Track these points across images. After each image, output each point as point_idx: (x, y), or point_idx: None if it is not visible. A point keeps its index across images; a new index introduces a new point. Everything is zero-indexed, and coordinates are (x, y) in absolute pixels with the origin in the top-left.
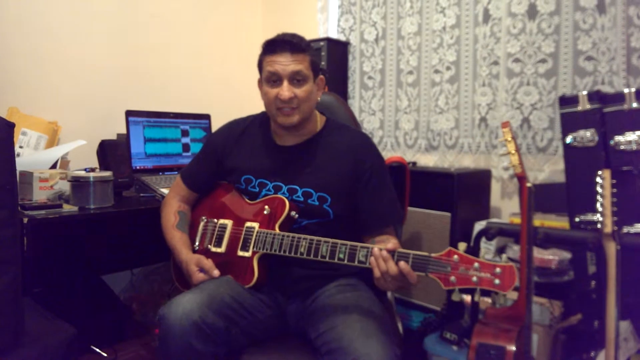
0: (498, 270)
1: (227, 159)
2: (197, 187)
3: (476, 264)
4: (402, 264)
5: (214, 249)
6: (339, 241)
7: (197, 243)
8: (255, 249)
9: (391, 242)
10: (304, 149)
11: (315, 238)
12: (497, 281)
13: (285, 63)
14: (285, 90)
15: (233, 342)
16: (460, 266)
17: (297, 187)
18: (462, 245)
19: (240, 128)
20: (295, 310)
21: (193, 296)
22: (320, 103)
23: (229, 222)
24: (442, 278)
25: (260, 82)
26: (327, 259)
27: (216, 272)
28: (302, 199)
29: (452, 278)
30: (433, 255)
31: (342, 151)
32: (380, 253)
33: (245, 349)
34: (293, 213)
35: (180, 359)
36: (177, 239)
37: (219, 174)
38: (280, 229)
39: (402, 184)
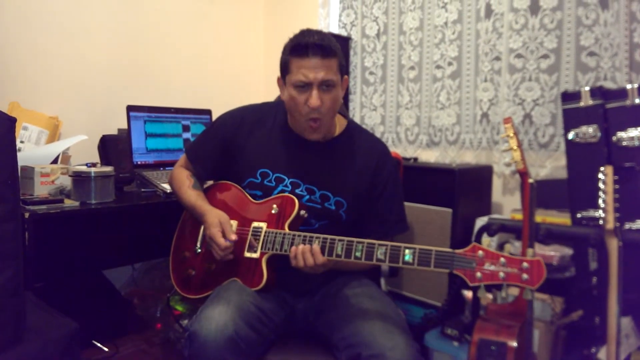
0: (525, 265)
1: (239, 149)
2: (207, 173)
3: (502, 260)
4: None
5: None
6: (355, 239)
7: (198, 245)
8: (264, 249)
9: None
10: (325, 148)
11: (329, 237)
12: (525, 276)
13: (316, 70)
14: (315, 98)
15: (261, 351)
16: (485, 262)
17: (315, 189)
18: (486, 241)
19: (255, 116)
20: (303, 307)
21: (222, 309)
22: None
23: (233, 223)
24: (468, 274)
25: (280, 81)
26: (342, 258)
27: (234, 237)
28: (319, 200)
29: (478, 274)
30: (457, 251)
31: (363, 157)
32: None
33: (266, 354)
34: (302, 212)
35: None
36: (195, 196)
37: (224, 163)
38: (290, 228)
39: None
